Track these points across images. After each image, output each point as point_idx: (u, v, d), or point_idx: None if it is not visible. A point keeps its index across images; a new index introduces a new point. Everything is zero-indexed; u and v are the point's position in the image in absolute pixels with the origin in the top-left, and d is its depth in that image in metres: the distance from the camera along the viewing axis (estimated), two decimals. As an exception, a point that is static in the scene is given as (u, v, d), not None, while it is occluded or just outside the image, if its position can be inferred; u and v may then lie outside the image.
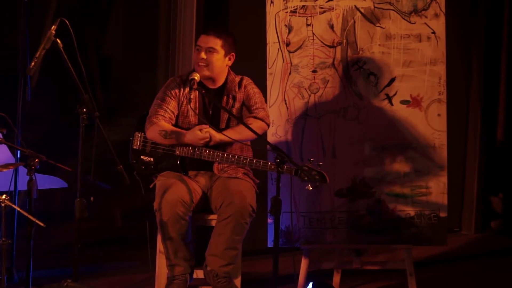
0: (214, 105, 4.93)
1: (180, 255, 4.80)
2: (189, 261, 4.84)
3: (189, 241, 4.82)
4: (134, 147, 4.99)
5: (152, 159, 4.98)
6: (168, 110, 4.92)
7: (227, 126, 4.93)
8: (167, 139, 4.87)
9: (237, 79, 5.02)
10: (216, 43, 4.89)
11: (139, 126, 5.01)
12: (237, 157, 4.80)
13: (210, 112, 4.95)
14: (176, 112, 4.95)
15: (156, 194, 4.81)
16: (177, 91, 4.95)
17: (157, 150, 4.97)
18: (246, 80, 5.03)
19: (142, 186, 4.95)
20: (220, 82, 4.97)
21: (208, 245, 4.85)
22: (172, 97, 4.94)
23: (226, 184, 4.88)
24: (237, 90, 4.97)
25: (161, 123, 4.89)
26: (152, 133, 4.90)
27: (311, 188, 4.66)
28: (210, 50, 4.88)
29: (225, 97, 4.96)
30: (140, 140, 5.00)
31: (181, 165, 4.94)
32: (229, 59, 4.96)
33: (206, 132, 4.78)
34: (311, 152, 5.18)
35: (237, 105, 4.96)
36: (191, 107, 4.88)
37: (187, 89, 4.92)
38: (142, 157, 4.99)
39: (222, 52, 4.91)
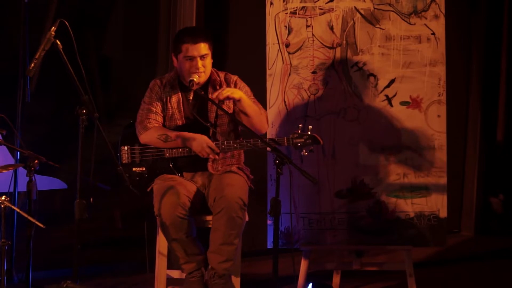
0: (200, 103, 4.92)
1: (189, 251, 4.82)
2: (199, 255, 4.86)
3: (195, 235, 4.83)
4: (124, 162, 4.98)
5: (144, 168, 4.97)
6: (158, 113, 4.95)
7: (215, 124, 4.94)
8: (168, 142, 4.88)
9: (222, 74, 5.04)
10: (206, 47, 4.90)
11: (123, 139, 5.00)
12: (226, 142, 4.81)
13: (196, 110, 4.95)
14: (162, 115, 4.96)
15: (154, 199, 4.80)
16: (160, 93, 4.97)
17: (147, 158, 4.96)
18: (233, 76, 5.03)
19: (138, 192, 4.94)
20: (205, 81, 4.99)
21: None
22: (158, 100, 4.96)
23: (220, 179, 4.90)
24: (226, 85, 4.97)
25: (157, 128, 4.91)
26: (148, 137, 4.91)
27: (306, 153, 4.68)
28: (205, 57, 4.89)
29: (210, 95, 4.96)
30: (128, 153, 4.98)
31: (174, 167, 4.94)
32: (212, 56, 4.99)
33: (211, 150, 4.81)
34: (311, 152, 5.17)
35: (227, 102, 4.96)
36: (188, 109, 4.88)
37: (177, 93, 4.94)
38: (134, 169, 4.97)
39: (210, 53, 4.93)
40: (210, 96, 4.92)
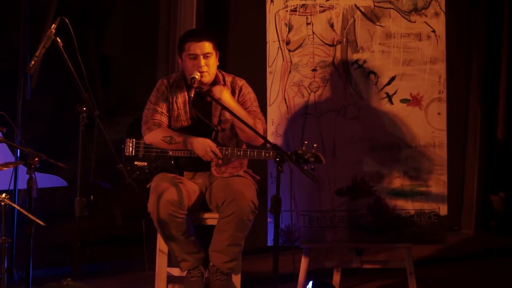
0: (203, 105, 4.91)
1: (186, 250, 4.83)
2: (197, 253, 4.87)
3: (192, 234, 4.83)
4: (127, 154, 4.98)
5: (145, 163, 4.98)
6: (163, 114, 4.94)
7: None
8: (172, 145, 4.88)
9: (228, 78, 5.02)
10: (210, 46, 4.90)
11: (129, 133, 5.01)
12: (231, 150, 4.80)
13: (200, 113, 4.93)
14: (168, 115, 4.96)
15: (150, 196, 4.80)
16: (166, 93, 4.96)
17: (150, 153, 4.97)
18: (240, 81, 5.02)
19: (136, 188, 4.94)
20: (210, 82, 4.98)
21: (211, 241, 4.85)
22: (164, 100, 4.95)
23: (227, 182, 4.89)
24: (231, 90, 4.96)
25: (162, 129, 4.90)
26: (152, 138, 4.91)
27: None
28: (208, 56, 4.89)
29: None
30: (132, 147, 4.99)
31: (175, 165, 4.94)
32: (217, 58, 4.97)
33: (213, 153, 4.80)
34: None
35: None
36: (191, 109, 4.87)
37: (183, 94, 4.93)
38: (135, 163, 4.99)
39: (214, 53, 4.93)
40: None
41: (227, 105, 4.77)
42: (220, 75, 5.00)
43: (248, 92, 5.01)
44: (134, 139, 5.00)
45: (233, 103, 4.83)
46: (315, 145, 4.70)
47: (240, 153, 4.80)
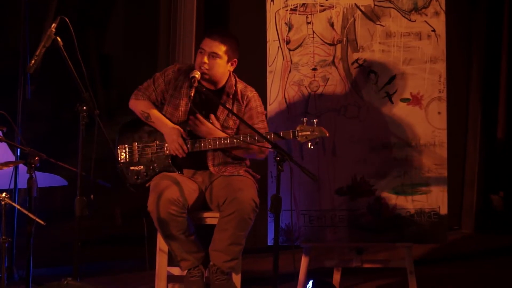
0: (208, 106, 4.91)
1: (186, 249, 4.81)
2: (198, 253, 4.86)
3: (192, 233, 4.82)
4: (121, 161, 4.96)
5: (142, 167, 4.95)
6: (153, 93, 4.97)
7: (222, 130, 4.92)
8: (147, 121, 4.93)
9: (240, 85, 4.99)
10: (220, 48, 4.86)
11: (120, 138, 4.99)
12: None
13: (203, 112, 4.91)
14: (160, 97, 4.96)
15: (150, 195, 4.79)
16: (171, 78, 4.96)
17: (146, 155, 4.94)
18: (251, 92, 4.99)
19: (135, 191, 4.93)
20: (219, 85, 4.96)
21: (211, 240, 4.85)
22: (164, 83, 4.96)
23: (228, 181, 4.88)
24: (239, 99, 4.94)
25: (145, 103, 4.94)
26: (135, 106, 4.99)
27: (312, 147, 4.67)
28: (213, 56, 4.86)
29: (226, 104, 4.92)
30: (125, 152, 4.96)
31: (173, 163, 4.93)
32: (231, 64, 4.93)
33: (181, 143, 4.82)
34: (311, 150, 5.16)
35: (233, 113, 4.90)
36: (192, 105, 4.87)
37: (185, 85, 4.93)
38: (131, 168, 4.95)
39: (225, 58, 4.89)
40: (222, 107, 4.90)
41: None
42: (233, 81, 4.97)
43: (256, 107, 4.96)
44: (126, 145, 4.97)
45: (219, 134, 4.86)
46: (315, 120, 4.69)
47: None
